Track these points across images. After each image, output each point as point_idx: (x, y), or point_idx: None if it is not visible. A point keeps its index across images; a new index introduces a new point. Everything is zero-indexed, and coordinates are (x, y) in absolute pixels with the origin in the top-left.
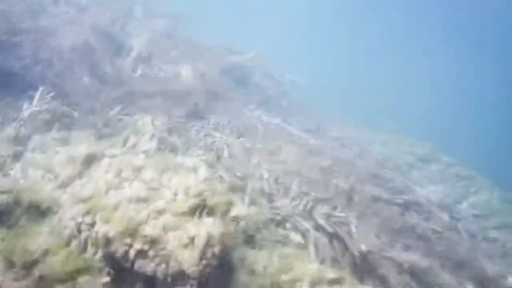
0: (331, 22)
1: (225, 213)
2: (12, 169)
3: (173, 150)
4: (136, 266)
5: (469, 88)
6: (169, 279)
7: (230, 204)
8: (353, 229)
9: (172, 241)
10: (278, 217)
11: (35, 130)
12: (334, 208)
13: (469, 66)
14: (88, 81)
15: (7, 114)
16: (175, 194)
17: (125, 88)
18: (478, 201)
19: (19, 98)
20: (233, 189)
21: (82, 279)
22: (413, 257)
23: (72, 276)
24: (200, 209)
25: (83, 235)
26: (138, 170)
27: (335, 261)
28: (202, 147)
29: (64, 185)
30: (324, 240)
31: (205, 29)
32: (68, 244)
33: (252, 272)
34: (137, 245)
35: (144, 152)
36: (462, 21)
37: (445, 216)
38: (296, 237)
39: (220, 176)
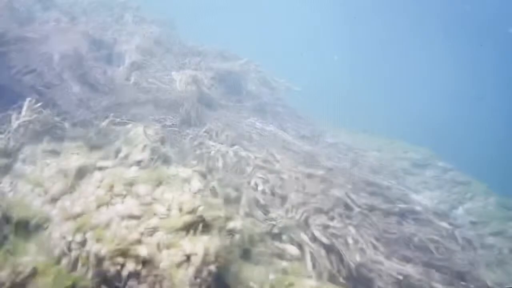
0: (330, 22)
1: (221, 228)
2: (0, 183)
3: (166, 160)
4: (128, 285)
5: (467, 92)
6: None
7: (225, 218)
8: (350, 241)
9: (165, 260)
10: (274, 229)
11: (25, 142)
12: (331, 218)
13: (467, 68)
14: (78, 90)
15: None
16: (169, 210)
17: (117, 96)
18: (474, 207)
19: (8, 109)
20: (228, 200)
21: None
22: (411, 269)
23: None
24: (195, 225)
25: (74, 254)
26: (130, 184)
27: (332, 275)
28: (196, 157)
29: (54, 200)
30: (321, 252)
31: (197, 34)
32: (58, 262)
33: None
34: (130, 265)
35: (136, 163)
36: (462, 21)
37: (443, 224)
38: (293, 250)
39: (214, 187)
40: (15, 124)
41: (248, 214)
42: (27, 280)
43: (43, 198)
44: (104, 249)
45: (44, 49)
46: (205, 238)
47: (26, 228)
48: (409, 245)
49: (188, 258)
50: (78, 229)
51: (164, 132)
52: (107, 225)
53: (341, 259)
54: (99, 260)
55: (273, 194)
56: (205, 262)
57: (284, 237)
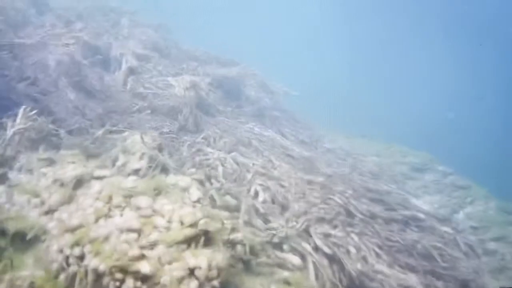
0: (330, 22)
1: (223, 240)
2: None
3: (165, 168)
4: None
5: (466, 92)
6: None
7: (227, 230)
8: (352, 250)
9: (167, 275)
10: (275, 239)
11: (20, 150)
12: (332, 227)
13: (467, 68)
14: (74, 96)
15: None
16: (169, 222)
17: (113, 103)
18: (475, 211)
19: (2, 117)
20: (227, 209)
21: None
22: (415, 279)
23: None
24: (197, 238)
25: (72, 269)
26: (129, 195)
27: (334, 285)
28: (194, 164)
29: (51, 211)
30: (324, 261)
31: (194, 36)
32: (56, 276)
33: None
34: (129, 281)
35: (134, 172)
36: (462, 21)
37: (445, 231)
38: (294, 259)
39: (212, 196)
40: (10, 132)
41: (247, 223)
42: None
43: (40, 209)
44: (102, 265)
45: (39, 55)
46: (207, 251)
47: (22, 240)
48: (412, 253)
49: (190, 272)
50: (76, 243)
51: (161, 139)
52: (106, 239)
53: (343, 268)
54: (98, 275)
55: (273, 202)
56: (208, 278)
57: (285, 246)
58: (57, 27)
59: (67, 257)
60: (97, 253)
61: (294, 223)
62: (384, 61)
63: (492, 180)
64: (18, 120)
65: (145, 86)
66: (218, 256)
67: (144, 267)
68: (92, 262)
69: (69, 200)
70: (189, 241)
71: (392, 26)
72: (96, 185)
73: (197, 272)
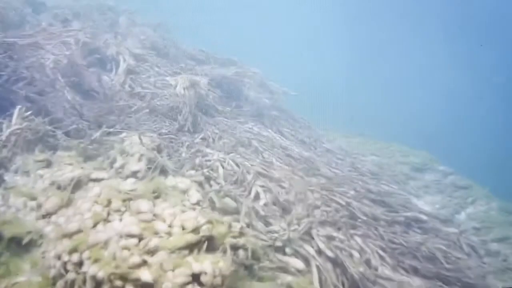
0: (329, 22)
1: (225, 245)
2: None
3: (164, 170)
4: None
5: (466, 92)
6: None
7: (229, 235)
8: (356, 253)
9: (169, 282)
10: (277, 242)
11: (16, 151)
12: (335, 229)
13: (467, 68)
14: (72, 97)
15: None
16: (171, 227)
17: (111, 103)
18: (476, 211)
19: None
20: (226, 211)
21: None
22: (420, 282)
23: None
24: (200, 244)
25: (70, 276)
26: (129, 199)
27: None
28: (193, 166)
29: (48, 215)
30: (327, 265)
31: (194, 36)
32: (53, 283)
33: None
34: None
35: (133, 173)
36: (462, 22)
37: (448, 232)
38: (298, 263)
39: (212, 198)
40: (6, 132)
41: (249, 227)
42: None
43: (36, 212)
44: (101, 272)
45: (36, 55)
46: (210, 257)
47: (19, 245)
48: (416, 255)
49: (193, 279)
50: (74, 249)
51: (160, 140)
52: (105, 245)
53: (346, 272)
54: (97, 283)
55: (273, 204)
56: (213, 285)
57: (288, 250)
58: (54, 27)
59: (65, 263)
60: (95, 260)
61: (296, 226)
62: (384, 61)
63: (492, 180)
64: (13, 121)
65: (143, 86)
66: (222, 263)
67: (145, 275)
68: (90, 269)
69: (66, 203)
70: (192, 247)
71: (392, 26)
72: (94, 188)
73: (202, 278)
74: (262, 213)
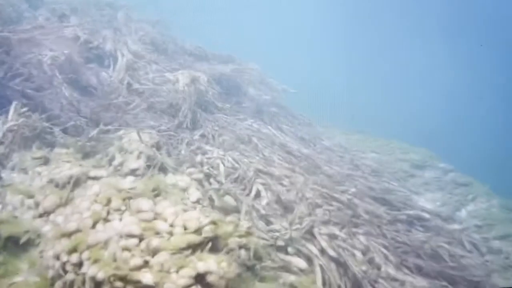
0: (329, 22)
1: (227, 245)
2: None
3: (163, 167)
4: None
5: (466, 92)
6: None
7: (236, 234)
8: (359, 251)
9: (170, 283)
10: (279, 241)
11: (14, 148)
12: (337, 228)
13: (468, 65)
14: (69, 93)
15: None
16: (172, 226)
17: (109, 99)
18: (477, 209)
19: None
20: (227, 211)
21: None
22: (424, 282)
23: None
24: (203, 245)
25: (69, 276)
26: (128, 197)
27: None
28: (193, 163)
29: (46, 213)
30: (330, 264)
31: (193, 34)
32: (52, 284)
33: None
34: None
35: (132, 171)
36: (462, 22)
37: (451, 230)
38: (300, 262)
39: (211, 197)
40: (3, 129)
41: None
42: None
43: (34, 211)
44: (101, 273)
45: (33, 50)
46: (214, 257)
47: (16, 244)
48: (419, 254)
49: (196, 281)
50: (73, 249)
51: (159, 137)
52: (105, 245)
53: (349, 271)
54: (97, 284)
55: (274, 202)
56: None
57: (290, 249)
58: (51, 22)
59: (63, 264)
60: (95, 260)
61: (298, 224)
62: (384, 61)
63: (491, 180)
64: (10, 117)
65: (141, 82)
66: (225, 263)
67: (146, 278)
68: (90, 269)
69: (65, 202)
70: (194, 248)
71: (392, 26)
72: (93, 186)
73: (208, 278)
74: (263, 211)
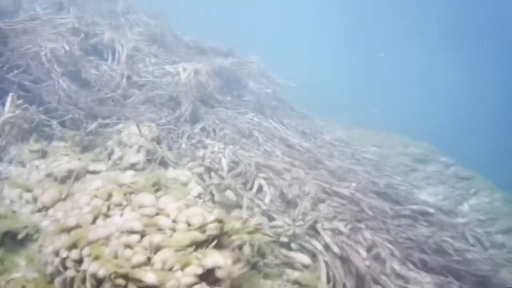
0: (329, 22)
1: (231, 242)
2: None
3: (164, 161)
4: None
5: (465, 92)
6: None
7: (240, 231)
8: (362, 250)
9: (173, 281)
10: (282, 237)
11: (11, 141)
12: (341, 223)
13: (468, 66)
14: (68, 86)
15: None
16: (175, 222)
17: (109, 92)
18: (480, 203)
19: None
20: (228, 206)
21: None
22: (429, 278)
23: None
24: (207, 243)
25: (69, 273)
26: (130, 192)
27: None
28: (194, 157)
29: (44, 208)
30: (335, 260)
31: (194, 29)
32: (51, 281)
33: None
34: None
35: (131, 165)
36: (462, 22)
37: (453, 224)
38: (304, 258)
39: (212, 192)
40: None
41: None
42: None
43: (32, 206)
44: (102, 270)
45: (31, 42)
46: (218, 254)
47: (14, 240)
48: (424, 248)
49: (201, 279)
50: (73, 245)
51: (159, 130)
52: (106, 241)
53: (354, 266)
54: (98, 281)
55: (277, 197)
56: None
57: (293, 245)
58: (49, 13)
59: (63, 260)
60: (96, 257)
61: (301, 220)
62: (384, 61)
63: (498, 171)
64: (6, 109)
65: (141, 75)
66: (229, 262)
67: (149, 277)
68: (91, 266)
69: (64, 196)
70: (198, 245)
71: (392, 27)
72: (93, 181)
73: (217, 273)
74: (264, 207)
